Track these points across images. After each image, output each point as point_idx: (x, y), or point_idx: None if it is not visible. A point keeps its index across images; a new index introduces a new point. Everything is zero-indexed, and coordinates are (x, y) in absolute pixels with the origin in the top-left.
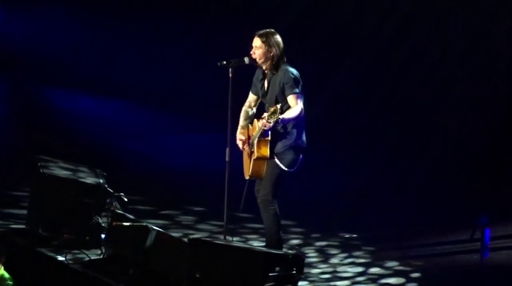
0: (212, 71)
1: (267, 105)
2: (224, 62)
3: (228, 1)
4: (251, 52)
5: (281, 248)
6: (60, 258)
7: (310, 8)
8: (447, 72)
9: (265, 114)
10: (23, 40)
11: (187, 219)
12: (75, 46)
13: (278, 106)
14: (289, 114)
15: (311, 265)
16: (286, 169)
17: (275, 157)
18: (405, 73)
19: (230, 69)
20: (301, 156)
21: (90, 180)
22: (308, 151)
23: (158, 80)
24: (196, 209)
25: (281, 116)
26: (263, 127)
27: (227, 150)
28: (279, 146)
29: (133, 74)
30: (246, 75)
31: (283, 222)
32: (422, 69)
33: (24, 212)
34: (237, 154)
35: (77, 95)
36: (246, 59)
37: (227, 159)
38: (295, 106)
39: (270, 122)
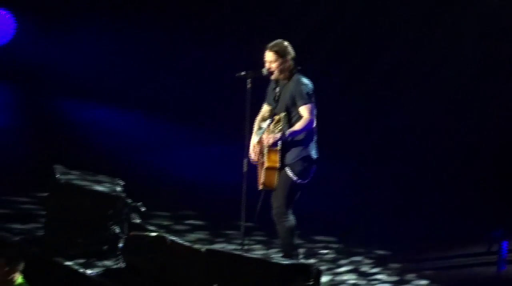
0: (229, 83)
1: (276, 113)
2: (242, 73)
3: (246, 11)
4: (266, 66)
5: (297, 259)
6: (77, 267)
7: (324, 18)
8: (463, 82)
9: (271, 126)
10: (38, 51)
11: (204, 229)
12: (91, 57)
13: (282, 115)
14: (299, 126)
15: (324, 274)
16: (298, 180)
17: (287, 168)
18: (419, 83)
19: (248, 81)
20: (314, 167)
21: (108, 190)
22: (322, 162)
23: (174, 92)
24: (213, 220)
25: (291, 129)
26: (271, 140)
27: (245, 161)
28: (291, 157)
29: (148, 86)
30: (264, 86)
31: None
32: (438, 78)
33: (41, 221)
34: (255, 165)
35: (92, 107)
36: (264, 70)
37: (244, 170)
38: (306, 118)
39: (274, 136)
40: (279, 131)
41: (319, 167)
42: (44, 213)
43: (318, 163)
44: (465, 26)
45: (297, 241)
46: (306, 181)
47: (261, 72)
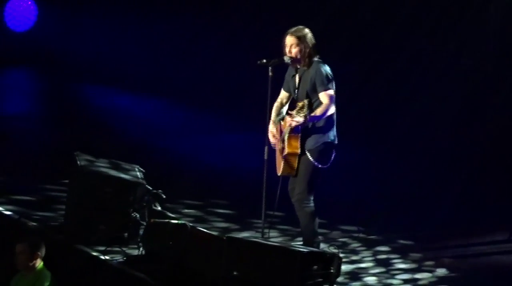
0: (251, 70)
1: (298, 101)
2: (264, 61)
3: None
4: (286, 51)
5: (318, 247)
6: (98, 254)
7: (343, 6)
8: (485, 74)
9: (293, 111)
10: (60, 38)
11: (224, 216)
12: (113, 44)
13: (306, 101)
14: (320, 111)
15: (345, 263)
16: (319, 165)
17: (307, 153)
18: (443, 74)
19: (270, 68)
20: (334, 152)
21: (128, 177)
22: (343, 149)
23: (195, 78)
24: (233, 207)
25: (311, 114)
26: (293, 123)
27: (266, 148)
28: (311, 142)
29: (170, 72)
30: (284, 74)
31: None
32: (460, 70)
33: (62, 208)
34: (275, 152)
35: (114, 93)
36: (286, 58)
37: (265, 157)
38: (326, 104)
39: (297, 120)
40: (302, 117)
41: (341, 155)
42: (65, 199)
43: (337, 149)
44: (488, 15)
45: (318, 229)
46: (326, 166)
47: (283, 60)
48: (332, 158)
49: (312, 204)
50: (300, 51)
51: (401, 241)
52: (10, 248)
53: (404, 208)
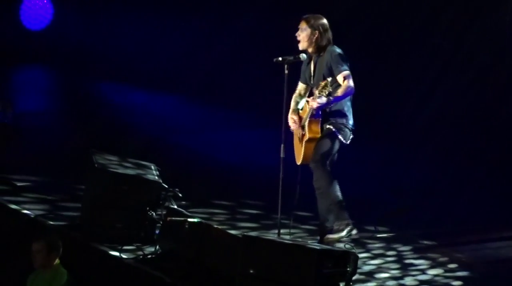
0: (267, 67)
1: (315, 88)
2: (280, 59)
3: None
4: (296, 35)
5: (344, 212)
6: (114, 252)
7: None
8: (501, 72)
9: (316, 91)
10: (76, 35)
11: (240, 214)
12: (129, 41)
13: (329, 79)
14: (341, 92)
15: (361, 261)
16: (339, 136)
17: (329, 126)
18: (460, 70)
19: (286, 66)
20: (352, 135)
21: (145, 175)
22: (360, 144)
23: (211, 75)
24: (249, 204)
25: (332, 92)
26: (315, 104)
27: (282, 146)
28: (332, 121)
29: (186, 68)
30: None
31: None
32: (477, 67)
33: (79, 206)
34: (292, 150)
35: (130, 90)
36: (302, 56)
37: (282, 156)
38: (346, 84)
39: (320, 101)
40: (325, 97)
41: (358, 150)
42: (82, 198)
43: (353, 143)
44: (506, 12)
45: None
46: (346, 143)
47: (299, 58)
48: (350, 139)
49: (330, 174)
50: (308, 35)
51: (418, 239)
52: (26, 247)
53: (421, 205)
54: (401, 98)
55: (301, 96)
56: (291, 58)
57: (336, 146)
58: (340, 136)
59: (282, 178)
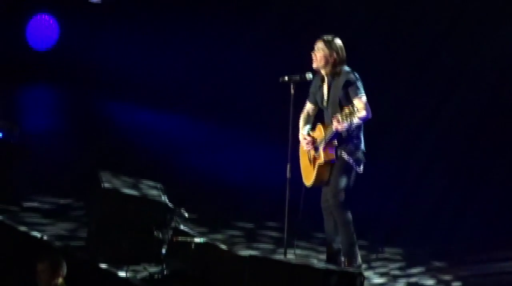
0: (273, 85)
1: (329, 109)
2: (286, 78)
3: (293, 15)
4: (312, 56)
5: (356, 259)
6: (121, 273)
7: (370, 22)
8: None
9: (338, 115)
10: (82, 55)
11: (246, 233)
12: (135, 60)
13: (352, 107)
14: (360, 118)
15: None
16: (355, 166)
17: (343, 155)
18: (467, 89)
19: (292, 85)
20: (365, 160)
21: (151, 195)
22: (370, 160)
23: (218, 94)
24: (256, 224)
25: (354, 120)
26: (336, 128)
27: (288, 166)
28: (346, 147)
29: (193, 88)
30: (308, 90)
31: None
32: (484, 84)
33: (85, 226)
34: (299, 170)
35: (136, 109)
36: (308, 75)
37: (288, 176)
38: (363, 109)
39: (345, 125)
40: (348, 122)
41: (369, 166)
42: (89, 217)
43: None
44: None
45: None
46: (360, 170)
47: (304, 77)
48: (364, 164)
49: (349, 212)
50: (325, 56)
51: (426, 258)
52: (32, 267)
53: (428, 223)
54: (410, 116)
55: (309, 116)
56: (297, 77)
57: (353, 177)
58: (356, 168)
59: (289, 198)
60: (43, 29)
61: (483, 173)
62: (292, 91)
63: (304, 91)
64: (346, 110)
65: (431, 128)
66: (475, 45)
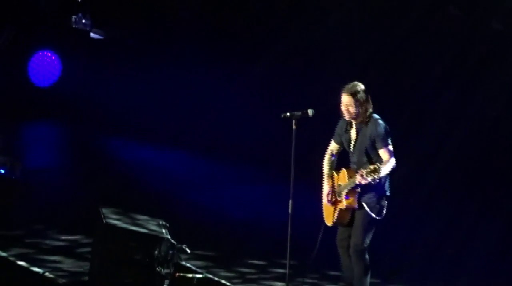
0: (275, 122)
1: (354, 154)
2: (288, 114)
3: (295, 52)
4: (343, 109)
5: None
6: None
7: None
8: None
9: (363, 171)
10: (84, 91)
11: (249, 270)
12: (136, 96)
13: (379, 166)
14: (385, 170)
15: None
16: (377, 218)
17: (365, 206)
18: (467, 126)
19: (293, 121)
20: (388, 203)
21: (153, 231)
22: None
23: (220, 130)
24: (258, 261)
25: (379, 175)
26: (359, 182)
27: (290, 202)
28: (369, 196)
29: (194, 124)
30: (309, 126)
31: None
32: (486, 121)
33: (87, 262)
34: (300, 205)
35: (138, 145)
36: (310, 112)
37: (290, 212)
38: (389, 161)
39: (367, 181)
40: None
41: None
42: (90, 254)
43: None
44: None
45: None
46: (381, 218)
47: (306, 113)
48: (386, 208)
49: (368, 257)
50: (356, 109)
51: None
52: None
53: (435, 258)
54: (413, 150)
55: (333, 155)
56: (299, 113)
57: (373, 226)
58: (376, 217)
59: (291, 234)
60: (45, 66)
61: (485, 210)
62: (294, 126)
63: (305, 127)
64: (371, 167)
65: (433, 164)
66: (477, 81)
